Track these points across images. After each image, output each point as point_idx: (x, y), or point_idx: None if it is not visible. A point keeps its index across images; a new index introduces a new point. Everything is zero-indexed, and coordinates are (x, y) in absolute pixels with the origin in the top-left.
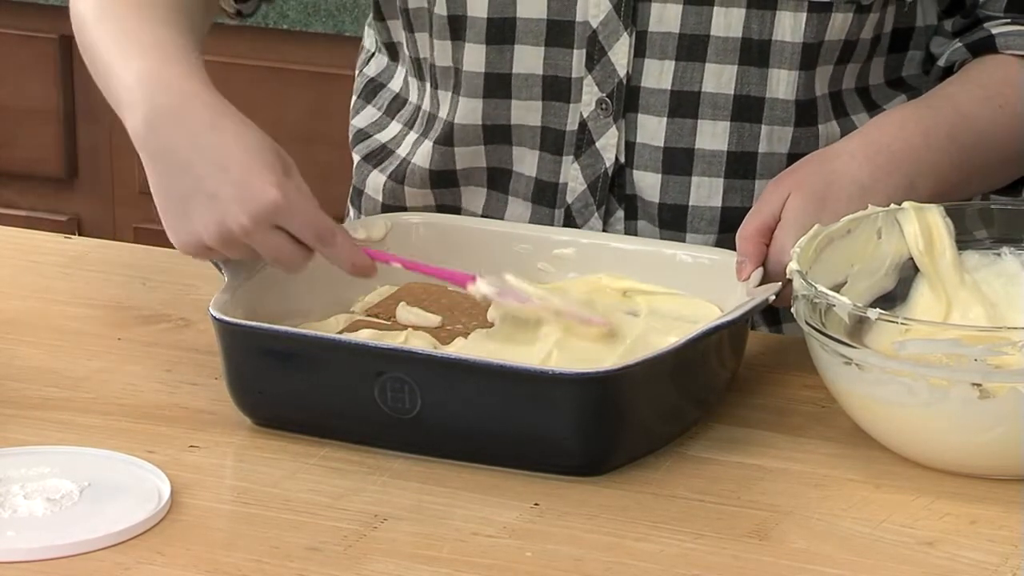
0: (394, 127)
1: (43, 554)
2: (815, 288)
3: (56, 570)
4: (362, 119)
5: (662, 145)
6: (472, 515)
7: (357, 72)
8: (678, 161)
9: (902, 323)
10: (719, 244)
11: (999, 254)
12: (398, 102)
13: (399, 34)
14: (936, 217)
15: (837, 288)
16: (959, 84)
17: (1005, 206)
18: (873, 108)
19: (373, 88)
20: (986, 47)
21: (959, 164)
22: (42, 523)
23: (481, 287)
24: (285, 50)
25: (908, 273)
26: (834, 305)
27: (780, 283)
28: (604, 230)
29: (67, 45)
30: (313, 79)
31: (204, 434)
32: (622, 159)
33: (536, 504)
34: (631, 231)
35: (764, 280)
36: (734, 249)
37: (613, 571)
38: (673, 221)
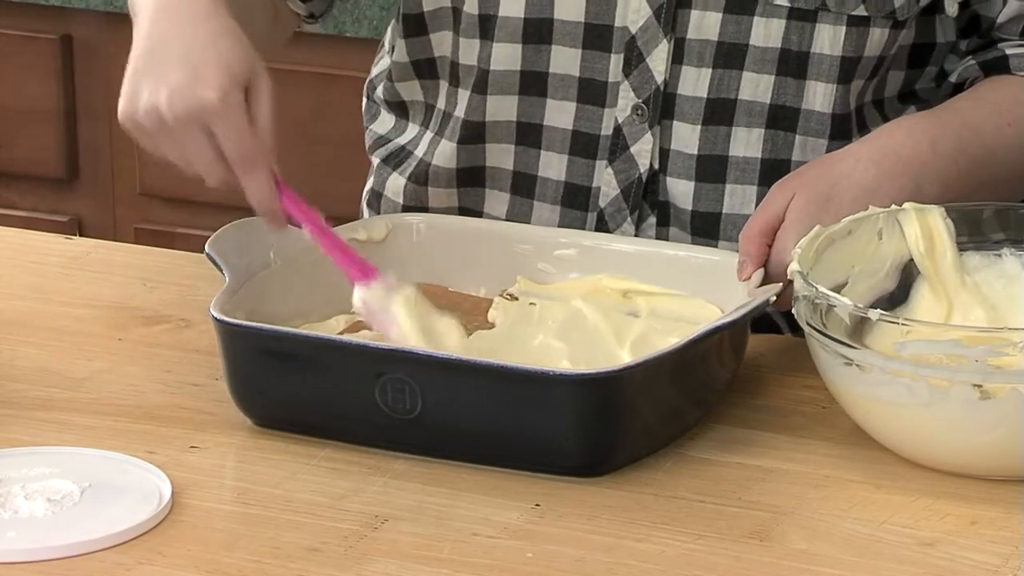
0: (412, 129)
1: (44, 554)
2: (816, 289)
3: (57, 570)
4: (380, 125)
5: (695, 153)
6: (473, 516)
7: (372, 76)
8: (711, 169)
9: (903, 324)
10: None
11: (1000, 255)
12: (415, 105)
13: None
14: (936, 219)
15: (838, 289)
16: (969, 99)
17: (1019, 207)
18: (887, 121)
19: (385, 91)
20: (999, 67)
21: (966, 174)
22: (43, 524)
23: (357, 296)
24: (285, 50)
25: (909, 274)
26: (835, 306)
27: (781, 284)
28: (636, 235)
29: (67, 45)
30: (313, 79)
31: (205, 435)
32: (656, 165)
33: (537, 505)
34: (663, 237)
35: (765, 281)
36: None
37: (614, 572)
38: (705, 229)
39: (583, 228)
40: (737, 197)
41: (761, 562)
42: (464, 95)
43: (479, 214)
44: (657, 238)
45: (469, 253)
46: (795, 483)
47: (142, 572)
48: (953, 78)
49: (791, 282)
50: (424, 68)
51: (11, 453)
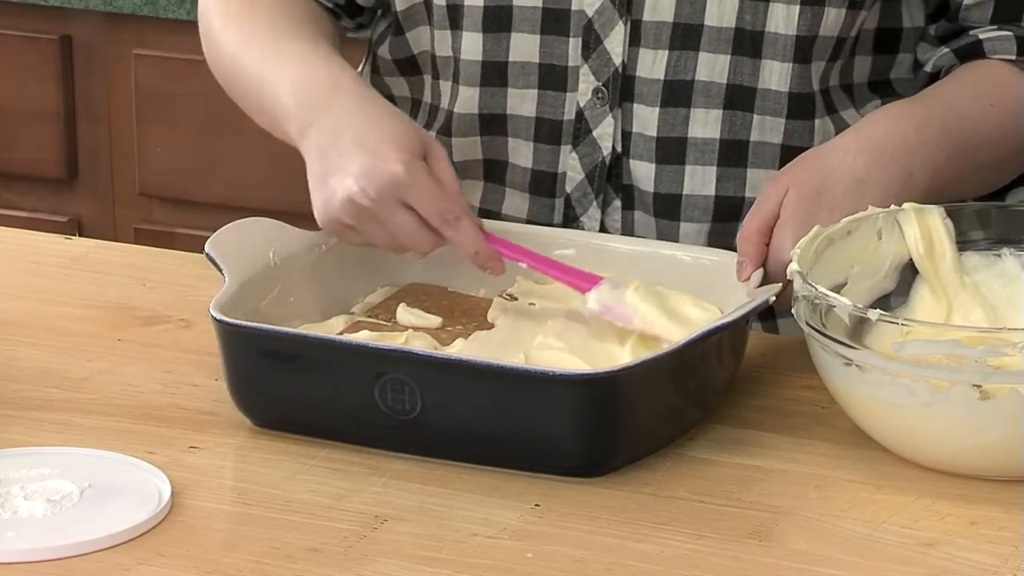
0: None
1: (43, 555)
2: (816, 289)
3: (56, 571)
4: None
5: (655, 135)
6: (472, 516)
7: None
8: (671, 151)
9: (903, 324)
10: (713, 233)
11: (999, 255)
12: (402, 101)
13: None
14: (936, 220)
15: (837, 289)
16: (949, 85)
17: (1003, 207)
18: (859, 107)
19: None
20: (973, 52)
21: (953, 158)
22: (42, 524)
23: (593, 301)
24: None
25: (908, 274)
26: (835, 306)
27: (780, 284)
28: (602, 220)
29: (67, 46)
30: None
31: (204, 435)
32: (619, 148)
33: (536, 505)
34: (628, 221)
35: (765, 279)
36: (730, 244)
37: (613, 572)
38: (667, 211)
39: (551, 214)
40: (697, 178)
41: (761, 562)
42: (447, 87)
43: None
44: (622, 222)
45: None
46: (795, 483)
47: (141, 572)
48: (928, 68)
49: (791, 282)
50: (406, 66)
51: (11, 453)
